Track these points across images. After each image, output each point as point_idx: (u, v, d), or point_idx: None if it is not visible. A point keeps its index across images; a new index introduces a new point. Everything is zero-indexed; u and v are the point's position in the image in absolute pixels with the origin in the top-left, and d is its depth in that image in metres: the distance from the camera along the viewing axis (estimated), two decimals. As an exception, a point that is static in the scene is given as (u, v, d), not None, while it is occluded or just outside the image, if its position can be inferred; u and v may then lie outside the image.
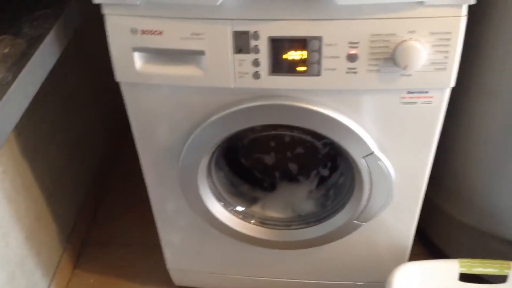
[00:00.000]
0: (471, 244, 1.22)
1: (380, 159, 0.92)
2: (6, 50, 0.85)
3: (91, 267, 1.41)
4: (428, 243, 1.33)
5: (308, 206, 1.13)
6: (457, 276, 1.04)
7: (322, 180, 1.17)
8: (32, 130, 1.18)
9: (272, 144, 1.14)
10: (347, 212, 1.03)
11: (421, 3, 0.75)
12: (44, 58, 0.87)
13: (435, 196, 1.23)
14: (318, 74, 0.82)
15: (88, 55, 1.48)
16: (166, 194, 1.09)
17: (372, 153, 0.91)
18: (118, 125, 1.72)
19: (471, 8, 0.76)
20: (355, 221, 1.03)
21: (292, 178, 1.18)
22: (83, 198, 1.48)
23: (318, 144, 1.12)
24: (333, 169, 1.16)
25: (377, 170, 0.93)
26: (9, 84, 0.78)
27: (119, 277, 1.38)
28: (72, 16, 0.96)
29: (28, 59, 0.83)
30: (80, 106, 1.46)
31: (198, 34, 0.81)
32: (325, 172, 1.17)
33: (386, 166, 0.93)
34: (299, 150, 1.15)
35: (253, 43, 0.81)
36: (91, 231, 1.50)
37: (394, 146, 0.92)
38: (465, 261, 1.03)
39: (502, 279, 1.03)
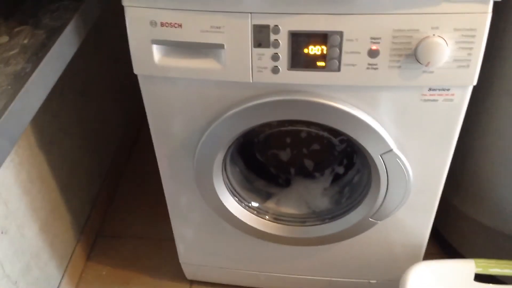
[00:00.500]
0: (486, 245, 1.20)
1: (398, 157, 0.91)
2: (25, 41, 0.85)
3: (104, 259, 1.42)
4: (443, 243, 1.32)
5: (323, 203, 1.13)
6: (472, 276, 1.03)
7: (337, 177, 1.16)
8: (48, 122, 1.18)
9: (288, 139, 1.14)
10: (362, 209, 1.02)
11: (445, -2, 0.74)
12: (63, 49, 0.87)
13: (451, 196, 1.21)
14: (338, 69, 0.82)
15: (106, 48, 1.48)
16: (180, 188, 1.09)
17: (390, 150, 0.90)
18: (133, 118, 1.73)
19: (495, 5, 0.75)
20: (371, 219, 1.02)
21: (307, 175, 1.17)
22: (97, 191, 1.49)
23: (335, 141, 1.11)
24: (349, 167, 1.15)
25: (395, 168, 0.92)
26: (28, 75, 0.78)
27: (131, 270, 1.38)
28: (91, 8, 0.96)
29: (47, 50, 0.83)
30: (96, 99, 1.47)
31: (217, 27, 0.80)
32: (340, 170, 1.16)
33: (404, 164, 0.92)
34: (315, 146, 1.14)
35: (273, 37, 0.80)
36: (104, 223, 1.51)
37: (413, 144, 0.91)
38: (481, 261, 1.02)
39: (518, 280, 1.02)
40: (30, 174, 1.11)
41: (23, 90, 0.76)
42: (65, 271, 1.29)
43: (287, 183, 1.18)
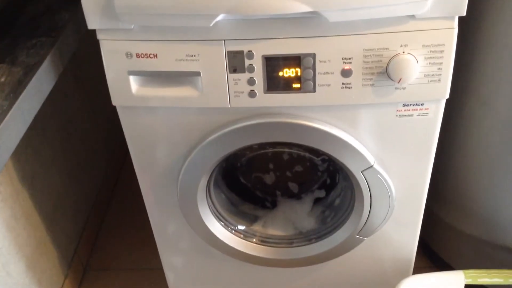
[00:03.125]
0: (475, 255, 1.21)
1: (379, 173, 0.92)
2: (2, 79, 0.85)
3: (93, 293, 1.40)
4: (432, 255, 1.32)
5: (309, 223, 1.13)
6: (462, 287, 1.03)
7: (322, 197, 1.16)
8: (30, 158, 1.18)
9: (271, 162, 1.14)
10: (348, 227, 1.03)
11: (412, 16, 0.76)
12: (41, 85, 0.88)
13: (436, 208, 1.22)
14: (313, 90, 0.83)
15: (85, 80, 1.49)
16: (166, 216, 1.08)
17: (371, 166, 0.91)
18: (117, 148, 1.72)
19: (463, 19, 0.77)
20: (357, 236, 1.03)
21: (292, 195, 1.18)
22: (83, 224, 1.47)
23: (317, 161, 1.12)
24: (332, 186, 1.15)
25: (376, 183, 0.93)
26: (5, 112, 0.79)
27: (122, 302, 1.36)
28: (67, 43, 0.97)
29: (24, 86, 0.83)
30: (79, 131, 1.47)
31: (192, 56, 0.81)
32: (321, 194, 1.16)
33: (385, 179, 0.93)
34: (298, 167, 1.14)
35: (247, 62, 0.81)
36: (92, 256, 1.49)
37: (393, 159, 0.92)
38: (470, 271, 1.02)
39: (507, 289, 1.02)
40: (13, 210, 1.10)
41: (0, 127, 0.76)
42: (54, 308, 1.27)
43: (272, 205, 1.18)
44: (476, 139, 1.06)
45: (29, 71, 0.86)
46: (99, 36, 0.82)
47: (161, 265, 1.21)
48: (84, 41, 1.01)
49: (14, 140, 0.83)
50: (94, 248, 1.52)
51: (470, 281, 1.02)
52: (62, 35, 0.96)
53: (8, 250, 1.08)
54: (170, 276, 1.24)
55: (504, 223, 1.11)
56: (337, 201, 1.12)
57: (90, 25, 0.80)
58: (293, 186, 1.18)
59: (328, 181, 1.16)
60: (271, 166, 1.15)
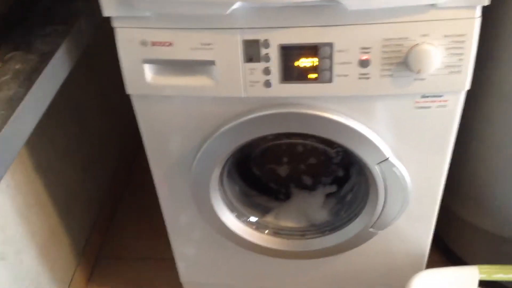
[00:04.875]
0: (489, 250, 1.19)
1: (395, 166, 0.90)
2: (17, 66, 0.85)
3: (105, 281, 1.40)
4: (446, 250, 1.31)
5: (322, 215, 1.12)
6: (476, 283, 1.02)
7: (336, 189, 1.15)
8: (45, 146, 1.18)
9: (285, 153, 1.13)
10: (362, 220, 1.02)
11: (433, 5, 0.74)
12: (55, 72, 0.87)
13: (452, 203, 1.21)
14: (330, 81, 0.82)
15: (99, 69, 1.49)
16: (178, 206, 1.08)
17: (386, 159, 0.89)
18: (131, 138, 1.72)
19: (485, 9, 0.75)
20: (371, 229, 1.02)
21: (305, 188, 1.17)
22: (96, 213, 1.48)
23: (332, 152, 1.11)
24: (347, 178, 1.14)
25: (392, 176, 0.92)
26: (20, 99, 0.78)
27: (133, 292, 1.37)
28: (82, 31, 0.96)
29: (39, 74, 0.83)
30: (93, 120, 1.47)
31: (208, 44, 0.80)
32: (332, 189, 1.15)
33: (401, 173, 0.91)
34: (312, 158, 1.13)
35: (263, 51, 0.80)
36: (105, 245, 1.50)
37: (409, 152, 0.91)
38: (485, 267, 1.01)
39: (523, 285, 1.01)
40: (27, 198, 1.11)
41: (15, 114, 0.76)
42: (66, 296, 1.28)
43: (285, 197, 1.17)
44: (495, 133, 1.04)
45: (44, 59, 0.86)
46: (114, 23, 0.81)
47: (173, 255, 1.21)
48: (98, 33, 1.01)
49: (29, 127, 0.83)
50: (106, 237, 1.52)
51: (485, 277, 1.01)
52: (76, 24, 0.96)
53: (21, 238, 1.09)
54: (181, 266, 1.24)
55: (520, 219, 1.09)
56: (349, 197, 1.11)
57: (106, 12, 0.79)
58: (307, 179, 1.17)
59: (342, 174, 1.14)
60: (285, 157, 1.14)
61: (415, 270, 1.04)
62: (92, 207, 1.46)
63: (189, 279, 1.27)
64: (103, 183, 1.53)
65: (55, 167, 1.24)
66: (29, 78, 0.82)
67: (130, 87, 0.87)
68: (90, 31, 1.00)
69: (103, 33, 0.92)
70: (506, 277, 1.00)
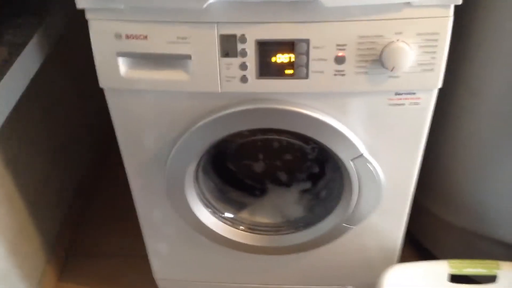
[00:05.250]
0: (459, 245, 1.22)
1: (369, 162, 0.91)
2: (-14, 58, 0.83)
3: (76, 278, 1.38)
4: (417, 245, 1.33)
5: (297, 211, 1.13)
6: (446, 277, 1.04)
7: (311, 185, 1.16)
8: (14, 140, 1.15)
9: (260, 150, 1.13)
10: (336, 215, 1.03)
11: (408, 4, 0.75)
12: (26, 65, 0.86)
13: (423, 198, 1.23)
14: (306, 77, 0.82)
15: (72, 62, 1.46)
16: (152, 202, 1.07)
17: (361, 155, 0.90)
18: (103, 132, 1.70)
19: (457, 8, 0.77)
20: (344, 224, 1.03)
21: (280, 184, 1.17)
22: (67, 209, 1.45)
23: (307, 149, 1.11)
24: (319, 177, 1.15)
25: (366, 172, 0.93)
26: (-11, 91, 0.77)
27: (105, 289, 1.35)
28: (55, 23, 0.95)
29: (9, 66, 0.81)
30: (64, 114, 1.44)
31: (184, 38, 0.80)
32: (307, 186, 1.16)
33: (375, 169, 0.93)
34: (288, 155, 1.14)
35: (240, 46, 0.80)
36: (75, 241, 1.47)
37: (383, 148, 0.92)
38: (455, 262, 1.03)
39: (491, 279, 1.04)
40: (-5, 194, 1.08)
41: (-16, 107, 0.74)
42: (35, 293, 1.25)
43: (260, 193, 1.17)
44: (466, 130, 1.06)
45: (15, 51, 0.85)
46: (88, 15, 0.80)
47: (146, 252, 1.20)
48: (71, 25, 0.99)
49: (-2, 120, 0.81)
50: (78, 233, 1.49)
51: (455, 271, 1.03)
52: (49, 15, 0.94)
53: (-11, 234, 1.06)
54: (155, 263, 1.23)
55: (489, 214, 1.12)
56: (324, 193, 1.12)
57: (79, 4, 0.78)
58: (282, 175, 1.17)
59: (317, 171, 1.15)
60: (260, 153, 1.14)
61: (387, 265, 1.06)
62: (63, 203, 1.43)
63: (163, 276, 1.26)
64: (74, 178, 1.51)
65: (25, 161, 1.21)
66: (-1, 70, 0.80)
67: (104, 81, 0.86)
68: (63, 23, 0.98)
69: (76, 25, 0.90)
70: (476, 271, 1.03)
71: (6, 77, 0.80)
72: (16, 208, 1.17)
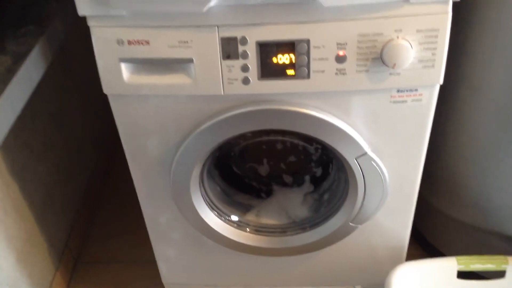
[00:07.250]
0: (466, 242, 1.22)
1: (373, 160, 0.92)
2: (-10, 68, 0.84)
3: (85, 286, 1.38)
4: (424, 243, 1.33)
5: (302, 211, 1.13)
6: (455, 273, 1.04)
7: (316, 185, 1.16)
8: (20, 149, 1.16)
9: (264, 151, 1.14)
10: (342, 215, 1.03)
11: (406, 1, 0.76)
12: (30, 73, 0.86)
13: (429, 195, 1.23)
14: (307, 77, 0.82)
15: (75, 70, 1.47)
16: (159, 207, 1.07)
17: (365, 153, 0.90)
18: (108, 139, 1.71)
19: (457, 4, 0.77)
20: (351, 224, 1.03)
21: (285, 185, 1.17)
22: (74, 216, 1.46)
23: (311, 149, 1.12)
24: (326, 174, 1.15)
25: (370, 170, 0.93)
26: (-5, 100, 0.77)
27: (114, 295, 1.35)
28: (57, 31, 0.95)
29: (13, 75, 0.82)
30: (69, 122, 1.45)
31: (185, 42, 0.80)
32: (310, 188, 1.16)
33: (379, 166, 0.93)
34: (292, 155, 1.14)
35: (241, 48, 0.80)
36: (84, 249, 1.48)
37: (386, 146, 0.92)
38: (463, 258, 1.03)
39: (500, 274, 1.03)
40: (3, 203, 1.08)
41: (-10, 116, 0.75)
42: (45, 301, 1.26)
43: (266, 194, 1.17)
44: (468, 126, 1.06)
45: (18, 60, 0.85)
46: (90, 23, 0.80)
47: (153, 257, 1.20)
48: (73, 33, 1.00)
49: (3, 130, 0.81)
50: (85, 240, 1.50)
51: (463, 267, 1.03)
52: (51, 24, 0.95)
53: (-2, 243, 1.06)
54: (163, 267, 1.23)
55: (495, 210, 1.12)
56: (329, 193, 1.12)
57: (81, 12, 0.78)
58: (286, 176, 1.17)
59: (321, 171, 1.15)
60: (264, 155, 1.14)
61: (395, 263, 1.05)
62: (70, 210, 1.44)
63: (171, 280, 1.26)
64: (81, 185, 1.52)
65: (31, 170, 1.22)
66: (2, 80, 0.81)
67: (107, 87, 0.87)
68: (65, 31, 0.99)
69: (79, 33, 0.91)
70: (483, 267, 1.03)
71: (10, 86, 0.80)
72: (23, 217, 1.17)
